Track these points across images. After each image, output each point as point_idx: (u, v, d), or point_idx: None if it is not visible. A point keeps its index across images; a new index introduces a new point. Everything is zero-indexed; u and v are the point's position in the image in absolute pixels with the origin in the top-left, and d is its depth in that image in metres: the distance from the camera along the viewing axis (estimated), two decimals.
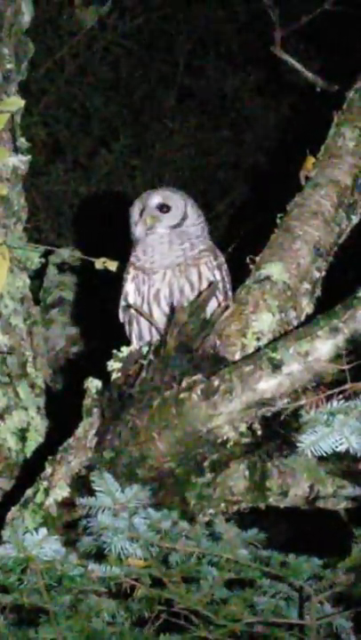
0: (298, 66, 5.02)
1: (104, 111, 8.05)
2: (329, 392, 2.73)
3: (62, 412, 4.71)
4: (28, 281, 4.96)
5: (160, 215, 3.96)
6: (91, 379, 3.65)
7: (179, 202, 4.00)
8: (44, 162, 7.80)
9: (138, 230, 4.00)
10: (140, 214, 4.00)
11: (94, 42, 8.01)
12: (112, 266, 4.00)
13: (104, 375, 3.68)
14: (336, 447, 2.50)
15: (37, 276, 5.40)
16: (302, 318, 3.75)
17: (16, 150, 5.08)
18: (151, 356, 3.54)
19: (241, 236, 5.93)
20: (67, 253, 6.25)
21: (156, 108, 8.16)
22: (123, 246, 4.10)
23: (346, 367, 2.61)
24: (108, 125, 8.08)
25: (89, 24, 7.84)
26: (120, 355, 3.63)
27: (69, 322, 6.22)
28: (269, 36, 5.28)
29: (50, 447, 3.91)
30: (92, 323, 6.14)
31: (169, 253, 3.91)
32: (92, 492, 2.94)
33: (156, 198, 4.00)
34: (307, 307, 3.77)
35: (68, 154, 8.05)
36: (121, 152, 8.05)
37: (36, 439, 4.51)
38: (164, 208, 3.97)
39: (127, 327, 4.01)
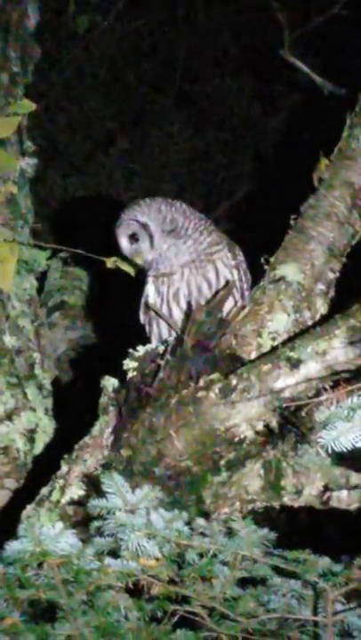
0: (306, 69, 5.05)
1: (101, 115, 8.06)
2: (349, 387, 2.74)
3: (67, 413, 4.74)
4: (35, 283, 4.99)
5: (134, 247, 4.01)
6: (107, 377, 3.65)
7: (134, 226, 4.01)
8: (41, 166, 7.78)
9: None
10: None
11: (92, 45, 8.02)
12: (123, 265, 4.00)
13: (115, 375, 3.70)
14: (356, 443, 2.53)
15: (38, 279, 5.39)
16: (317, 319, 3.76)
17: (23, 153, 5.11)
18: (168, 355, 3.56)
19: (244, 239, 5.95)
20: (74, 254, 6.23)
21: (155, 111, 8.16)
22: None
23: None
24: (106, 129, 8.08)
25: (83, 29, 7.86)
26: (136, 354, 3.64)
27: (71, 325, 6.21)
28: (268, 39, 5.31)
29: (58, 448, 3.93)
30: (95, 326, 6.15)
31: (180, 253, 3.93)
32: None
33: (123, 238, 4.03)
34: (321, 307, 3.77)
35: (65, 158, 8.04)
36: (118, 156, 8.06)
37: (44, 440, 4.52)
38: (133, 238, 4.01)
39: (147, 328, 4.02)
